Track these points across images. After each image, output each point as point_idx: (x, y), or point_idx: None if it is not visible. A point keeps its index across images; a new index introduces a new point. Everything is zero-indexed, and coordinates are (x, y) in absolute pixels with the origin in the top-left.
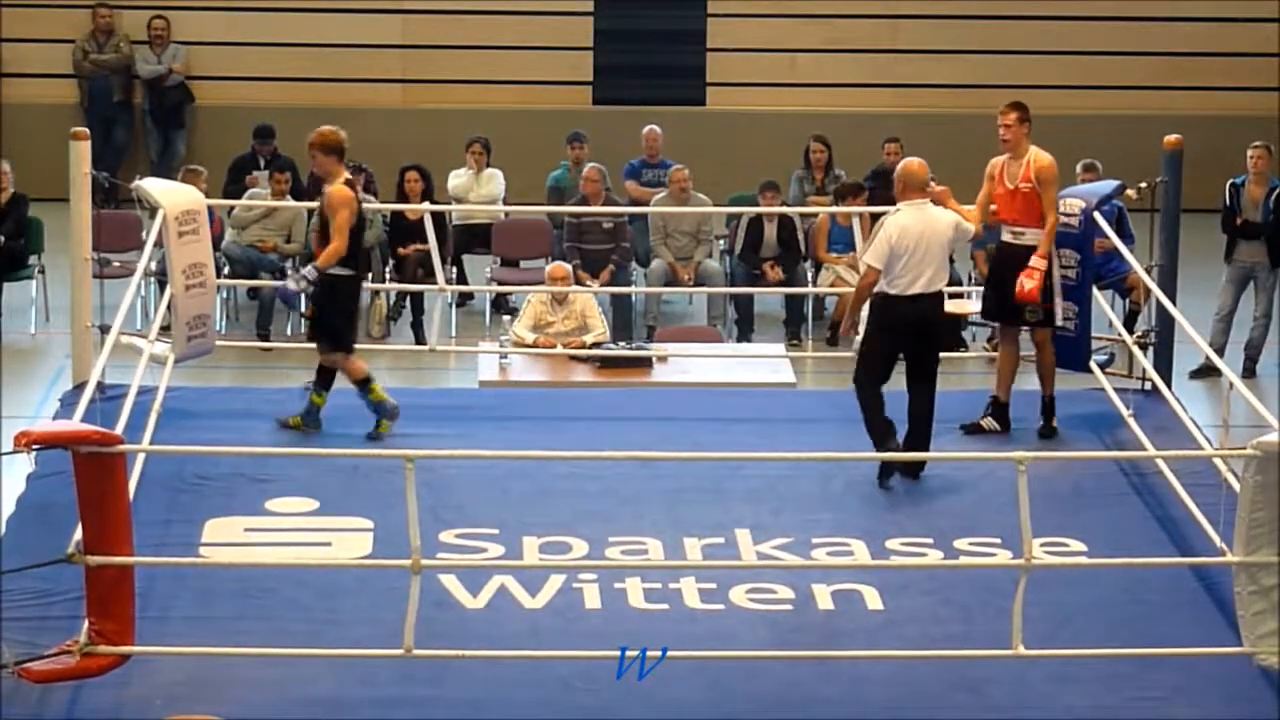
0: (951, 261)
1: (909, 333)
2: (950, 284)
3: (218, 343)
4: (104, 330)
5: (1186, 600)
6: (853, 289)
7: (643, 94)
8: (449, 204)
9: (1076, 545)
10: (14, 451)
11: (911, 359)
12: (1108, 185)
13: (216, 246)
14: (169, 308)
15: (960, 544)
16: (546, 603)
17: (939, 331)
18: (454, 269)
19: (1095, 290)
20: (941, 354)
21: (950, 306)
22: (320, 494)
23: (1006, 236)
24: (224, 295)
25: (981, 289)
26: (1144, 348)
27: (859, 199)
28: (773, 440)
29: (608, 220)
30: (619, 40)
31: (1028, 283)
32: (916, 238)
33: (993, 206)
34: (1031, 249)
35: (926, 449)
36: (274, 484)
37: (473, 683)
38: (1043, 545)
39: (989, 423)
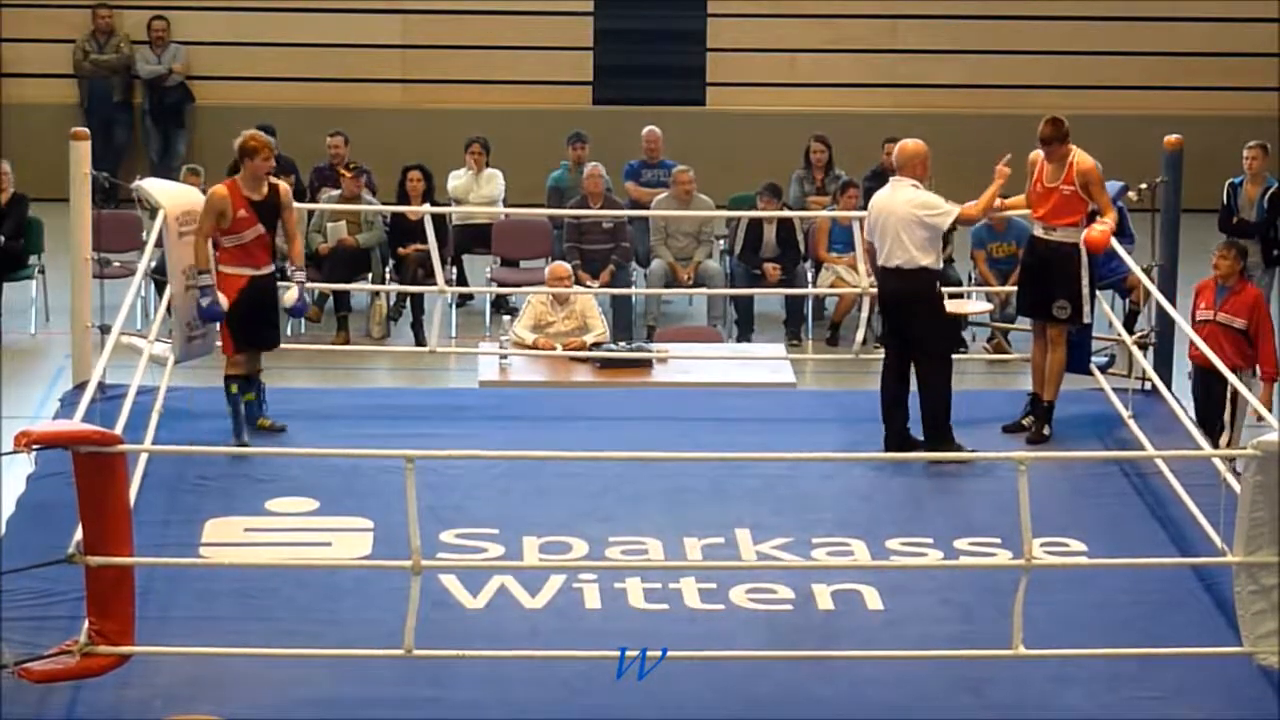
0: (951, 261)
1: (884, 303)
2: (949, 284)
3: (217, 343)
4: (104, 330)
5: (1186, 600)
6: (852, 289)
7: (643, 94)
8: (449, 204)
9: (1076, 545)
10: (14, 451)
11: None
12: (1111, 187)
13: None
14: (169, 308)
15: (960, 544)
16: (546, 603)
17: (907, 312)
18: (454, 269)
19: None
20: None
21: (951, 306)
22: (320, 494)
23: (1038, 231)
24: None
25: (982, 289)
26: (1144, 348)
27: (848, 195)
28: (773, 440)
29: (608, 220)
30: (619, 40)
31: (1098, 229)
32: (879, 211)
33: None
34: (1064, 244)
35: (932, 442)
36: (274, 484)
37: (473, 683)
38: (1043, 545)
39: (1031, 421)
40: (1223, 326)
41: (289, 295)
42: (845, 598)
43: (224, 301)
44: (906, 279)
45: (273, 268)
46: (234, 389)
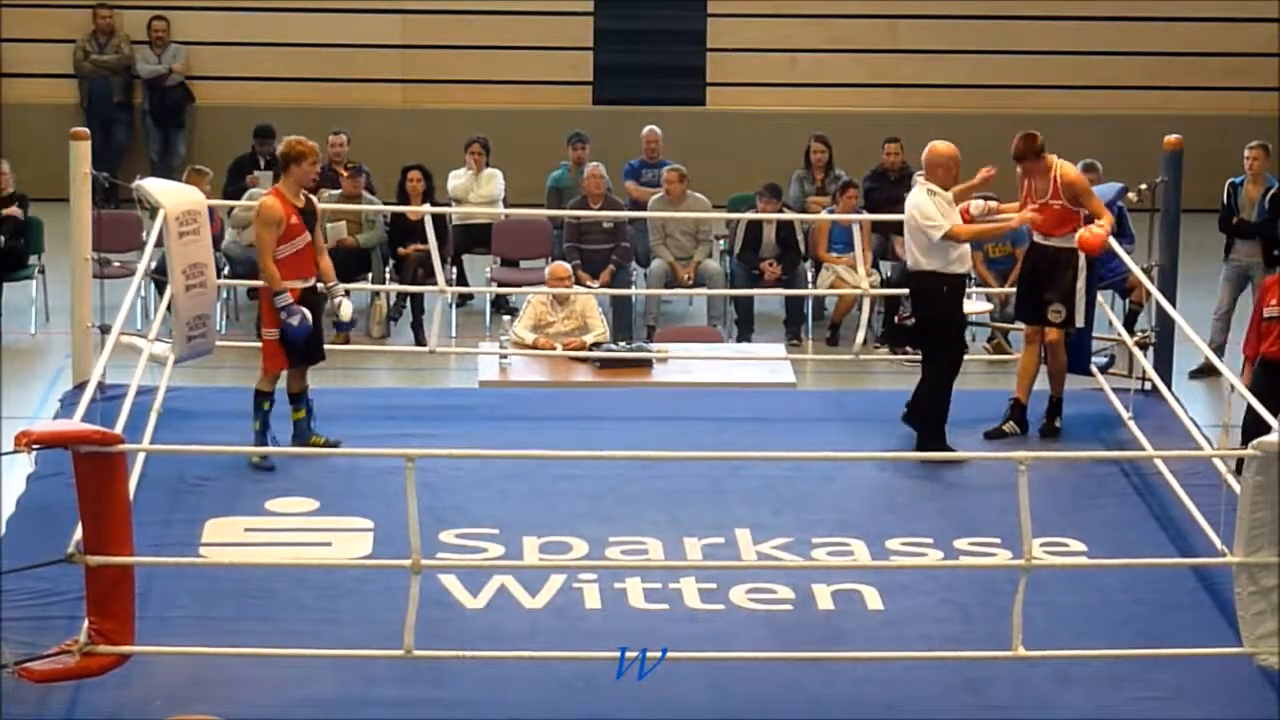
0: None
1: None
2: None
3: (218, 343)
4: (104, 330)
5: (1186, 600)
6: (852, 289)
7: (643, 94)
8: (449, 204)
9: (1076, 545)
10: (14, 451)
11: None
12: (1111, 189)
13: (217, 246)
14: (169, 308)
15: (960, 544)
16: (546, 603)
17: (921, 310)
18: (454, 269)
19: (1097, 293)
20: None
21: None
22: (320, 494)
23: (1036, 238)
24: (224, 295)
25: (982, 290)
26: (1144, 348)
27: (848, 195)
28: (773, 440)
29: (608, 220)
30: (619, 40)
31: (1091, 232)
32: (905, 214)
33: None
34: (1062, 250)
35: (922, 440)
36: (274, 484)
37: (473, 683)
38: (1043, 545)
39: (1010, 426)
40: None
41: (345, 309)
42: (845, 598)
43: (309, 316)
44: (916, 280)
45: (315, 279)
46: (266, 405)
